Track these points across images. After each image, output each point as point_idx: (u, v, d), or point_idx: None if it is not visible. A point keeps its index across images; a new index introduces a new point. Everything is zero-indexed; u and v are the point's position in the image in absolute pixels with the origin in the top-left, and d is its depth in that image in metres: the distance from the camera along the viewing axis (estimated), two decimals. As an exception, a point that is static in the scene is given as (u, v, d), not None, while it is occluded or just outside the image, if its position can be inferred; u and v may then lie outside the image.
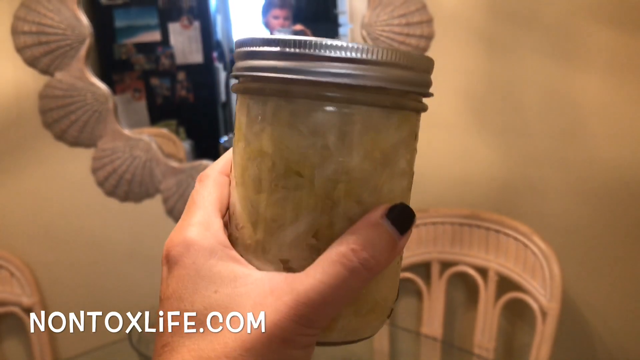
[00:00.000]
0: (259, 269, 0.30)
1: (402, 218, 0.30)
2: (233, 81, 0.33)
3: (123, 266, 1.26)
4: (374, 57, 0.30)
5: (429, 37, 1.12)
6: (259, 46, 0.31)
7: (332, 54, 0.30)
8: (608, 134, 1.19)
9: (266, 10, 1.79)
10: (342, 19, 1.54)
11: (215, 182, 0.33)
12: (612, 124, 1.19)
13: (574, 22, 1.16)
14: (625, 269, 1.25)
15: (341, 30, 1.55)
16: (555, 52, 1.18)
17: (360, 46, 0.30)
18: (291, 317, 0.26)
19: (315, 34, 1.53)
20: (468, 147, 1.22)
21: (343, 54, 0.30)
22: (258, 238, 0.31)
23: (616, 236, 1.23)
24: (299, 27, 1.88)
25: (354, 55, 0.30)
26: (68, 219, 1.24)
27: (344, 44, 0.29)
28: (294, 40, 0.30)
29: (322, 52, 0.30)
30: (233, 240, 0.32)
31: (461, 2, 1.17)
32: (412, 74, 0.31)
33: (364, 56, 0.30)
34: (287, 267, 0.30)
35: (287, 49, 0.30)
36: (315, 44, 0.30)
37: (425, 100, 0.33)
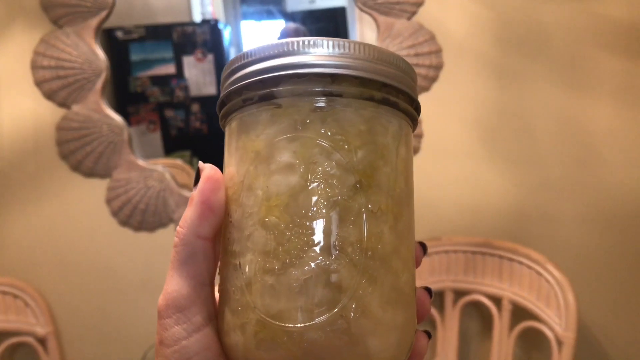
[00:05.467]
0: None
1: (195, 176, 0.31)
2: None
3: (137, 295, 1.26)
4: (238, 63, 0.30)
5: (438, 67, 1.14)
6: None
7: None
8: (620, 160, 1.19)
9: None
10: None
11: None
12: (624, 150, 1.18)
13: (583, 49, 1.17)
14: (643, 297, 1.23)
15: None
16: (566, 80, 1.18)
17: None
18: (158, 321, 0.30)
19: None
20: (480, 176, 1.22)
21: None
22: None
23: (631, 262, 1.22)
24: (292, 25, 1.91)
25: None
26: (82, 249, 1.25)
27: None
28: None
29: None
30: None
31: (470, 32, 1.18)
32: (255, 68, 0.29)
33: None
34: None
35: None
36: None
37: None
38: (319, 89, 0.28)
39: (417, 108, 0.32)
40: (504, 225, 1.23)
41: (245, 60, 0.30)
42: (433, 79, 1.14)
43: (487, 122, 1.21)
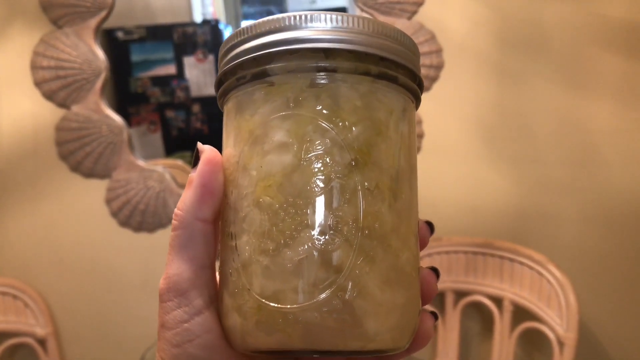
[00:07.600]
0: None
1: (194, 157, 0.30)
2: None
3: (136, 296, 1.26)
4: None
5: (439, 67, 1.13)
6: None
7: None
8: (620, 160, 1.18)
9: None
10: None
11: None
12: (624, 150, 1.18)
13: (584, 49, 1.16)
14: (644, 297, 1.23)
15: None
16: (566, 80, 1.18)
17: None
18: (159, 304, 0.30)
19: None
20: (480, 176, 1.22)
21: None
22: None
23: (632, 262, 1.21)
24: None
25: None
26: (82, 250, 1.25)
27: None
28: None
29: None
30: None
31: (470, 32, 1.18)
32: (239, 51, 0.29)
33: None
34: None
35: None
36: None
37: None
38: (313, 65, 0.27)
39: (420, 84, 0.30)
40: (504, 226, 1.23)
41: (240, 38, 0.29)
42: (434, 79, 1.13)
43: (488, 122, 1.20)
